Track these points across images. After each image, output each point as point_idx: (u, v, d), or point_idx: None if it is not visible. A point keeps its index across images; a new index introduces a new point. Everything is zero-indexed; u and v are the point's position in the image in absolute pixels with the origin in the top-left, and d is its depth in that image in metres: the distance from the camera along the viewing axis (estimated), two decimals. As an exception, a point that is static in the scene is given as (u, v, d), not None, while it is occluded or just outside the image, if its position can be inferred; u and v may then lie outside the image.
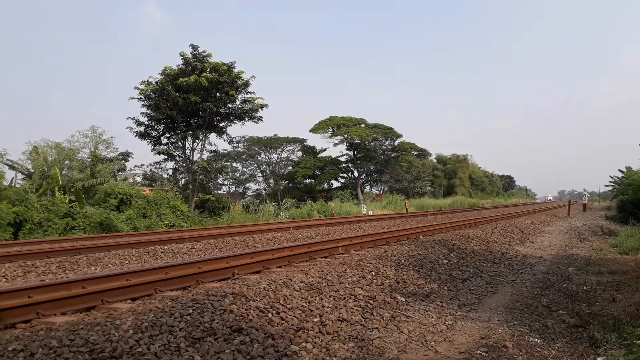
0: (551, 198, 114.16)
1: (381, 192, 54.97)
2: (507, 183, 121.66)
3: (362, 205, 33.39)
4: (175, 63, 25.22)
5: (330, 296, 5.33)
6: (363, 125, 48.60)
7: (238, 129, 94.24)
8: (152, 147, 25.81)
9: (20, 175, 23.49)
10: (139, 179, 39.77)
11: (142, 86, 24.26)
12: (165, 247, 10.08)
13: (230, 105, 25.79)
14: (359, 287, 5.90)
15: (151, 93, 24.27)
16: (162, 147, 25.69)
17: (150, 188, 28.07)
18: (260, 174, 52.63)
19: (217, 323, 4.01)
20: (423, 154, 61.23)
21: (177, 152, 26.41)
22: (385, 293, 5.96)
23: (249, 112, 26.27)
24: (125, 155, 38.70)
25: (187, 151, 26.29)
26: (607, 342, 4.51)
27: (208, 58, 25.09)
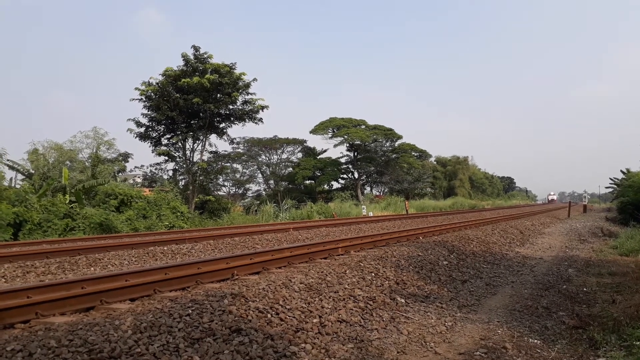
0: (554, 197, 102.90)
1: (381, 194, 54.94)
2: (508, 185, 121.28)
3: (362, 206, 33.36)
4: (176, 65, 25.30)
5: (329, 297, 5.33)
6: (363, 127, 48.57)
7: (238, 130, 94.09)
8: (153, 148, 25.82)
9: (20, 176, 23.53)
10: (139, 180, 39.79)
11: (143, 87, 24.27)
12: (165, 248, 10.07)
13: (231, 107, 25.80)
14: (359, 288, 5.89)
15: (152, 94, 24.26)
16: (163, 148, 25.69)
17: (150, 189, 28.07)
18: (260, 175, 52.61)
19: (216, 323, 4.00)
20: (423, 155, 61.18)
21: (178, 153, 26.42)
22: (384, 294, 5.95)
23: (250, 114, 26.29)
24: (125, 156, 38.71)
25: (188, 152, 26.30)
26: (607, 343, 4.50)
27: (209, 59, 25.10)
